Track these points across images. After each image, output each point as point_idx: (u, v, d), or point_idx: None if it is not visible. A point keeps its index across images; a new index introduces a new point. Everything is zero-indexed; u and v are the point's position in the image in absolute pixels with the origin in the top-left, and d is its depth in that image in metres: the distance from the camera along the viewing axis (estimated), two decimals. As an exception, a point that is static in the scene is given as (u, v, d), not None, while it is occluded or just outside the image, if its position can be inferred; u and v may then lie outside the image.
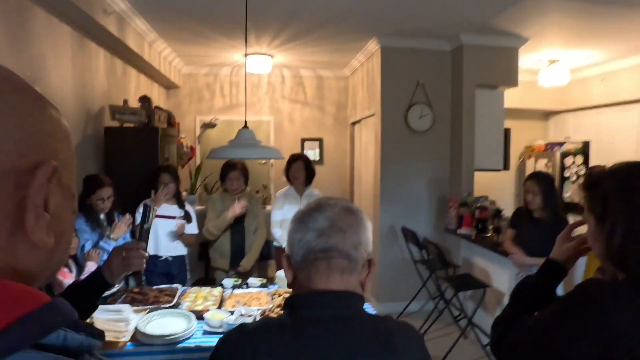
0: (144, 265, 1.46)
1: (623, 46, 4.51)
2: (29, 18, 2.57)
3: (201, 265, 4.20)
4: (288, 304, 0.95)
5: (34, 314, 0.39)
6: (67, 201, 0.51)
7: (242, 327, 0.92)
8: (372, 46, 4.59)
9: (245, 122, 2.33)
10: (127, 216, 2.88)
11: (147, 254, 1.46)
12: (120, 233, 2.83)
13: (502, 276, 3.48)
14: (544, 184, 2.77)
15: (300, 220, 0.97)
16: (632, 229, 0.88)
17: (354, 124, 5.90)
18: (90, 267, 2.47)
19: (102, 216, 2.84)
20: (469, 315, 3.83)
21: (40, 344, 0.40)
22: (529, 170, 6.11)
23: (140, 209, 3.18)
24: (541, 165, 5.96)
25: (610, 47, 4.54)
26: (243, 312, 2.26)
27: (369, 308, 2.51)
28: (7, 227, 0.43)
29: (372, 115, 4.80)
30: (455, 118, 4.46)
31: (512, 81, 4.38)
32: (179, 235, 3.19)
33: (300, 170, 3.54)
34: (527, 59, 4.89)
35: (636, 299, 0.84)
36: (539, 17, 3.60)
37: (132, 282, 3.38)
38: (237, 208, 3.24)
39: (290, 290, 1.00)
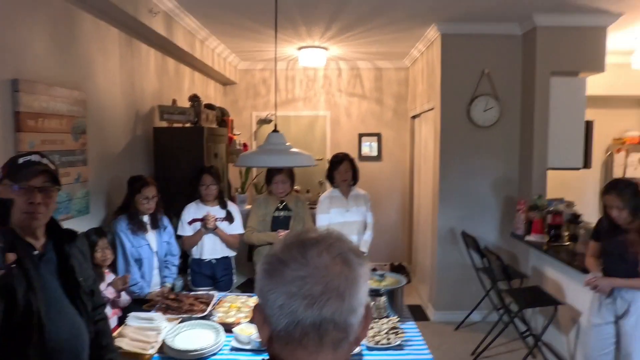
0: None
1: None
2: (76, 22, 2.59)
3: (251, 266, 4.15)
4: None
5: None
6: None
7: None
8: (432, 34, 4.22)
9: (275, 125, 2.15)
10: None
11: None
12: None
13: (580, 292, 3.03)
14: (628, 195, 2.32)
15: (278, 275, 0.70)
16: None
17: (414, 117, 5.55)
18: (107, 293, 2.39)
19: (145, 218, 2.83)
20: (537, 332, 3.43)
21: None
22: (618, 166, 5.38)
23: (188, 212, 3.14)
24: (634, 159, 5.23)
25: None
26: (273, 328, 2.11)
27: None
28: None
29: (432, 109, 4.44)
30: (526, 110, 3.98)
31: (596, 66, 3.80)
32: (220, 236, 3.13)
33: (348, 171, 3.34)
34: (619, 39, 4.18)
35: None
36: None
37: (178, 283, 3.40)
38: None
39: None
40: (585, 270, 2.68)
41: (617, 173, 5.36)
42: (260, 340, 2.01)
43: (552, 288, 3.41)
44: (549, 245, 3.32)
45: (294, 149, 2.17)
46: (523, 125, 4.05)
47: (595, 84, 4.10)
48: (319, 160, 5.76)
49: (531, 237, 3.51)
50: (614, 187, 2.41)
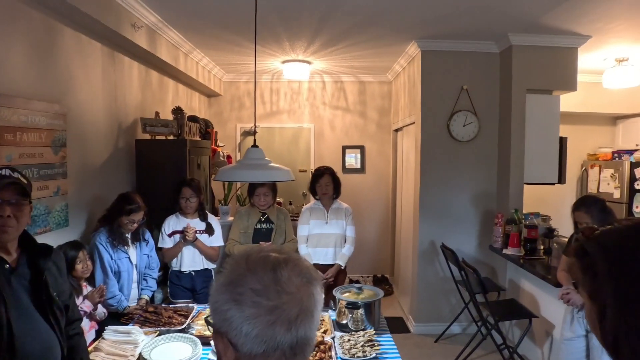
0: None
1: None
2: (56, 36, 2.60)
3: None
4: None
5: None
6: None
7: None
8: (412, 50, 4.33)
9: (255, 140, 2.19)
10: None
11: None
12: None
13: (553, 306, 3.10)
14: (596, 211, 2.41)
15: (253, 306, 0.71)
16: (623, 316, 0.66)
17: (396, 130, 5.64)
18: (84, 306, 2.38)
19: (128, 235, 2.81)
20: (513, 344, 3.49)
21: None
22: (592, 181, 5.54)
23: (168, 224, 3.15)
24: (607, 175, 5.38)
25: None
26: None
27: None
28: None
29: (413, 123, 4.53)
30: (504, 126, 4.09)
31: (569, 85, 3.94)
32: (199, 249, 3.14)
33: (329, 184, 3.38)
34: (590, 59, 4.40)
35: None
36: (601, 11, 3.16)
37: (158, 295, 3.39)
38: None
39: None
40: (558, 284, 2.75)
41: (592, 188, 5.52)
42: None
43: (528, 301, 3.48)
44: (525, 259, 3.40)
45: (272, 164, 2.20)
46: (501, 141, 4.15)
47: (568, 102, 4.24)
48: (303, 172, 5.82)
49: (508, 251, 3.59)
50: (583, 204, 2.50)
